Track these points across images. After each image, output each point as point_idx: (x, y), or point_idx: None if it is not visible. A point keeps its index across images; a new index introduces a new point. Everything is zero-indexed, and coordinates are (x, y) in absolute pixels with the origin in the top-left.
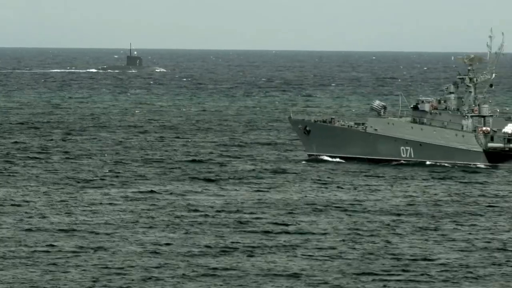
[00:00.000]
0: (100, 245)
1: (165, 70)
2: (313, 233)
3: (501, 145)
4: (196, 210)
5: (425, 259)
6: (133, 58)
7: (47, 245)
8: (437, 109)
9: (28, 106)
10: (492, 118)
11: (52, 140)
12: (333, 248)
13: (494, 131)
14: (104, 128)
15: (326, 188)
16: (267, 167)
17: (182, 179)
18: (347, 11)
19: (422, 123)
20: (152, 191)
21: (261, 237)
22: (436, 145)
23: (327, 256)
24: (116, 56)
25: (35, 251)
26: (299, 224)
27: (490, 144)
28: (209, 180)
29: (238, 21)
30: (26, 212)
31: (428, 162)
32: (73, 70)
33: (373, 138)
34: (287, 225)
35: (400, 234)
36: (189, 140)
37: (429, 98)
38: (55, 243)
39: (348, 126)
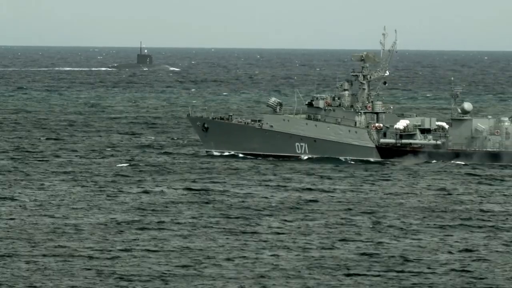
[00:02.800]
0: (90, 246)
1: (176, 69)
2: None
3: (393, 140)
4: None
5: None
6: (144, 57)
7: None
8: (331, 105)
9: (33, 105)
10: (385, 115)
11: (56, 138)
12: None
13: (387, 127)
14: (102, 127)
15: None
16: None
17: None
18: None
19: (317, 120)
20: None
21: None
22: (330, 141)
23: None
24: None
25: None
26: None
27: (383, 140)
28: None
29: (243, 20)
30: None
31: (314, 157)
32: (83, 69)
33: (269, 135)
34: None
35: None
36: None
37: (324, 95)
38: (53, 242)
39: (245, 123)
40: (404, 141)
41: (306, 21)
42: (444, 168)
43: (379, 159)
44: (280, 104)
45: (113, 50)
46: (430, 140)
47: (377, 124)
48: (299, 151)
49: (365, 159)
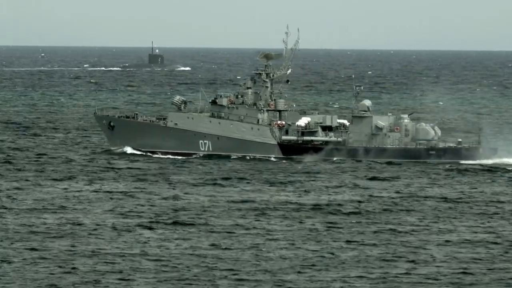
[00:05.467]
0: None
1: (187, 68)
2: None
3: (294, 138)
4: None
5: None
6: (155, 56)
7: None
8: (234, 103)
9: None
10: (287, 112)
11: (58, 139)
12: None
13: (289, 124)
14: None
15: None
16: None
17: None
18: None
19: (220, 117)
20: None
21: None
22: (233, 138)
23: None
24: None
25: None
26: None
27: (284, 137)
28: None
29: (243, 20)
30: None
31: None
32: (96, 69)
33: (173, 132)
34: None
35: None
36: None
37: (227, 93)
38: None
39: (150, 121)
40: (305, 138)
41: (306, 21)
42: (345, 165)
43: (281, 156)
44: (185, 102)
45: (113, 50)
46: (331, 137)
47: (279, 122)
48: (203, 149)
49: (267, 156)
